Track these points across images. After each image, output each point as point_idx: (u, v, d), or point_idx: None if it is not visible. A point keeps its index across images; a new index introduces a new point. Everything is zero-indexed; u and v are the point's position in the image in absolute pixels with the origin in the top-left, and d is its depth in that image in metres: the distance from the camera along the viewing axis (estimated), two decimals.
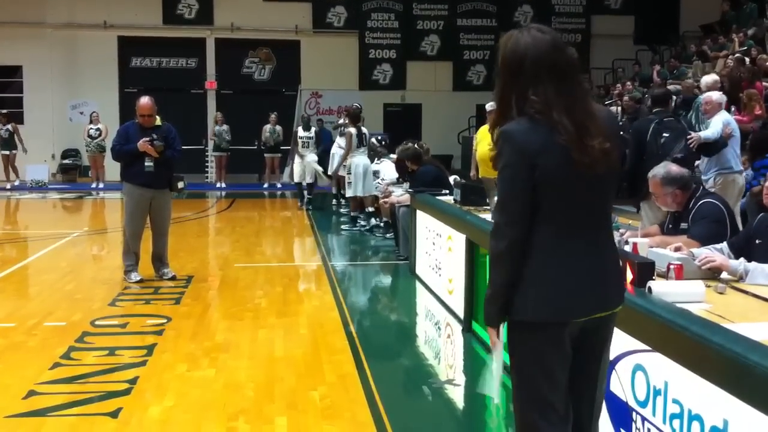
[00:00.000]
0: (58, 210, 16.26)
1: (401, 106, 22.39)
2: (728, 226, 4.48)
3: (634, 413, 3.08)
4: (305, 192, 14.13)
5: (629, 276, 3.24)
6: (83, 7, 21.00)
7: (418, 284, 7.70)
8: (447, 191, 7.86)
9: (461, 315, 5.98)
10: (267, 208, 16.23)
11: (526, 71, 2.33)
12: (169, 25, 21.50)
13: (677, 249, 3.90)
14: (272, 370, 4.96)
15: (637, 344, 3.04)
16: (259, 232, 11.90)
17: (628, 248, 3.86)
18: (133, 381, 4.68)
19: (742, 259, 3.68)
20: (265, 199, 17.72)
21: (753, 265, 3.58)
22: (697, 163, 7.78)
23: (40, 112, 20.76)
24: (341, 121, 14.17)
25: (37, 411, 4.20)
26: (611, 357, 2.78)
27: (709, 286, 3.29)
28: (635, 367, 3.06)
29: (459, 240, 6.11)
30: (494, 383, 2.58)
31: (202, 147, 20.85)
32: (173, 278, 7.64)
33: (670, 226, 4.78)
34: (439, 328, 6.25)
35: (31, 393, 4.46)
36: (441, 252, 6.82)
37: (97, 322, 6.08)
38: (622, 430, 3.18)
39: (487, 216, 5.84)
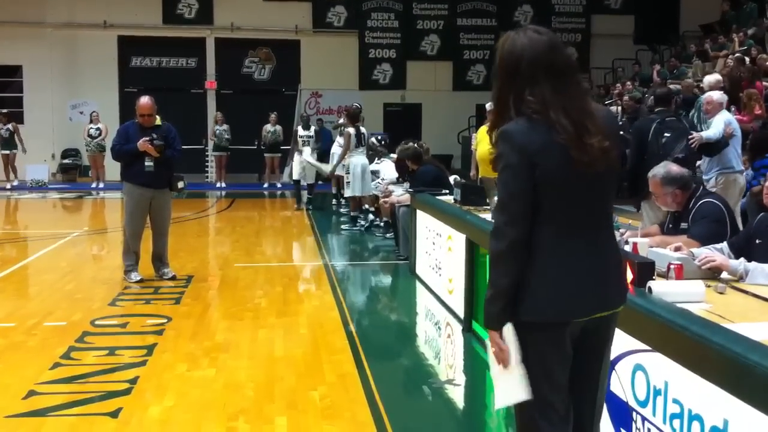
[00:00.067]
0: (58, 210, 16.27)
1: (401, 106, 22.40)
2: (728, 226, 4.48)
3: (634, 413, 3.08)
4: (305, 192, 14.12)
5: (629, 276, 3.24)
6: (83, 7, 21.01)
7: (418, 284, 7.70)
8: (447, 191, 7.86)
9: (461, 315, 5.98)
10: (267, 208, 16.24)
11: (522, 72, 2.33)
12: (169, 25, 21.52)
13: (677, 249, 3.90)
14: (272, 369, 4.96)
15: (637, 344, 3.04)
16: (259, 232, 11.91)
17: (628, 248, 3.86)
18: (133, 381, 4.68)
19: (742, 259, 3.68)
20: (265, 199, 17.72)
21: (753, 265, 3.58)
22: (698, 163, 7.77)
23: (40, 112, 20.77)
24: (341, 120, 14.17)
25: (37, 411, 4.20)
26: (611, 357, 2.78)
27: (709, 286, 3.29)
28: (635, 367, 3.06)
29: (459, 240, 6.11)
30: (510, 393, 2.40)
31: (202, 147, 20.86)
32: (173, 278, 7.64)
33: (670, 225, 4.78)
34: (439, 328, 6.25)
35: (31, 393, 4.46)
36: (441, 252, 6.82)
37: (97, 322, 6.08)
38: (622, 430, 3.18)
39: (487, 216, 5.84)
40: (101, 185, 18.66)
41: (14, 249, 10.48)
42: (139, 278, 7.49)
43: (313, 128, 14.75)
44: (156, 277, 7.65)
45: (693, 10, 20.85)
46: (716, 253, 3.79)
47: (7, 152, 18.74)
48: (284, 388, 4.60)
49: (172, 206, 7.76)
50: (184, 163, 8.17)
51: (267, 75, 22.33)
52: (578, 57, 20.80)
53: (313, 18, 22.08)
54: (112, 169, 14.54)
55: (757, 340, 2.44)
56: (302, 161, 13.80)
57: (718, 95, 8.03)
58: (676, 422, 2.76)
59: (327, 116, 21.23)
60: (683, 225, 4.60)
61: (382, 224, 10.98)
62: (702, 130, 7.76)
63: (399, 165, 9.75)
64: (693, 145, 7.12)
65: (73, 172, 21.09)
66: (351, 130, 11.63)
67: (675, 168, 4.75)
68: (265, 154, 19.20)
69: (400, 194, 9.59)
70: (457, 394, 4.79)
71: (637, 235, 4.33)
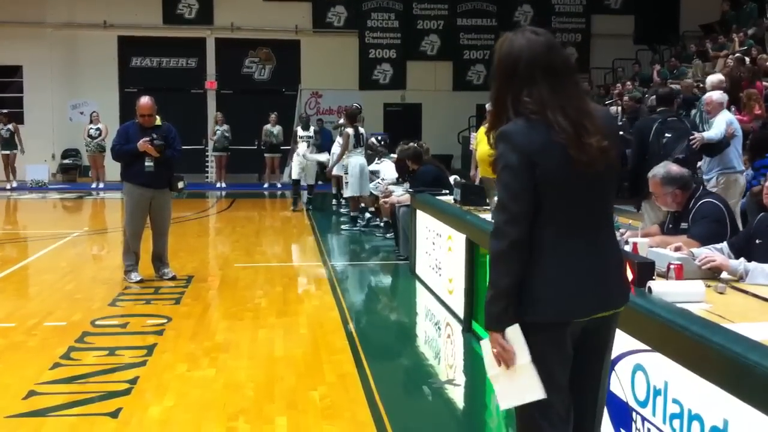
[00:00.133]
0: (58, 210, 16.27)
1: (401, 106, 22.40)
2: (728, 226, 4.48)
3: (634, 413, 3.08)
4: (305, 192, 14.12)
5: (629, 276, 3.24)
6: (83, 7, 21.01)
7: (418, 284, 7.70)
8: (447, 191, 7.87)
9: (461, 315, 5.97)
10: (267, 208, 16.24)
11: (520, 73, 2.34)
12: (169, 25, 21.52)
13: (677, 249, 3.90)
14: (272, 369, 4.96)
15: (637, 344, 3.04)
16: (259, 232, 11.91)
17: (628, 248, 3.86)
18: (133, 381, 4.68)
19: (742, 259, 3.68)
20: (265, 199, 17.72)
21: (753, 265, 3.58)
22: (699, 164, 7.77)
23: (40, 112, 20.77)
24: (341, 120, 14.17)
25: (37, 411, 4.20)
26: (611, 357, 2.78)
27: (709, 286, 3.29)
28: (635, 367, 3.06)
29: (459, 240, 6.11)
30: (517, 393, 2.38)
31: (202, 147, 20.85)
32: (173, 278, 7.64)
33: (670, 225, 4.78)
34: (439, 328, 6.25)
35: (31, 393, 4.46)
36: (441, 252, 6.82)
37: (97, 322, 6.08)
38: (622, 430, 3.18)
39: (487, 216, 5.84)
40: (101, 185, 18.66)
41: (14, 249, 10.48)
42: (139, 278, 7.49)
43: (312, 128, 14.75)
44: (156, 278, 7.65)
45: (693, 10, 20.85)
46: (716, 253, 3.79)
47: (8, 152, 18.73)
48: (284, 388, 4.60)
49: (172, 206, 7.76)
50: (184, 163, 8.18)
51: (267, 75, 22.33)
52: (578, 57, 20.85)
53: (313, 18, 22.08)
54: (112, 169, 14.53)
55: (757, 340, 2.44)
56: (302, 161, 13.80)
57: (717, 95, 8.03)
58: (676, 422, 2.76)
59: (327, 116, 21.23)
60: (683, 225, 4.60)
61: (382, 224, 10.98)
62: (704, 131, 7.76)
63: (399, 165, 9.75)
64: (694, 146, 7.11)
65: (73, 173, 21.09)
66: (350, 130, 11.63)
67: (675, 168, 4.75)
68: (265, 155, 19.20)
69: (400, 194, 9.59)
70: (457, 394, 4.80)
71: (638, 235, 4.33)
